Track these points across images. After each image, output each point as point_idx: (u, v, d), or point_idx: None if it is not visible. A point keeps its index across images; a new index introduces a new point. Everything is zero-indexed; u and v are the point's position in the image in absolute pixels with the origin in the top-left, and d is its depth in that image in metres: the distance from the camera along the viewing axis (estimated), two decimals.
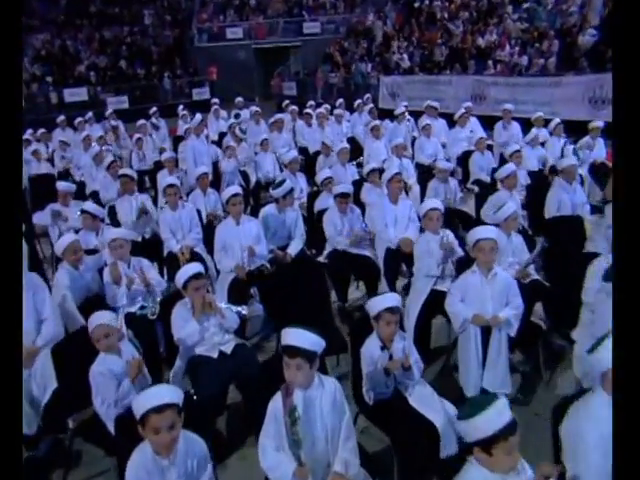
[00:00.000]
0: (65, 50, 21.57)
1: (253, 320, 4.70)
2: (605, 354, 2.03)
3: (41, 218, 6.28)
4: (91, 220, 5.22)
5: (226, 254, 4.69)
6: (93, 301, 4.10)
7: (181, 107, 12.55)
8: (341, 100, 11.53)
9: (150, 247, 5.46)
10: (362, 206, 5.79)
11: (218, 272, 4.92)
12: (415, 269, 4.22)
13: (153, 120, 10.93)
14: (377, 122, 8.40)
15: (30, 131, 10.77)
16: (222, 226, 4.81)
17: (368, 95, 12.07)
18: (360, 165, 7.98)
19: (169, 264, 5.21)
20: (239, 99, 12.71)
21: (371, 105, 10.49)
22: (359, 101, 10.77)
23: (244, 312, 3.62)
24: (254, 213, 5.55)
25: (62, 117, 11.63)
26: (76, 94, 19.16)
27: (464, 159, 7.67)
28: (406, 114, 9.40)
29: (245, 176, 8.16)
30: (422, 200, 6.04)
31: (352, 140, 9.63)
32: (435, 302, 3.91)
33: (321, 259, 5.12)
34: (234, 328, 3.57)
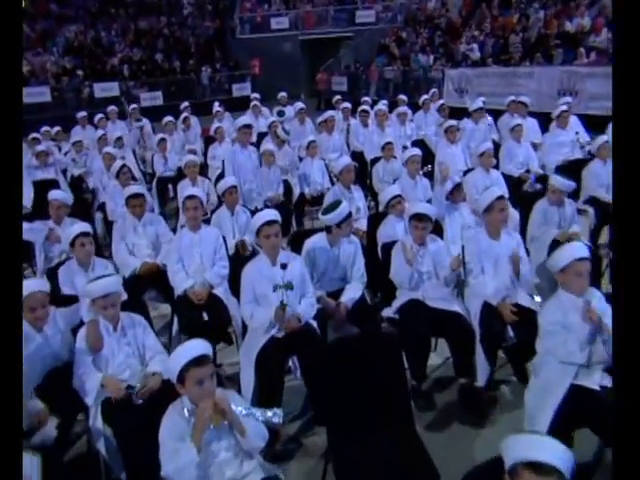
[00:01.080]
0: (98, 42, 21.19)
1: (290, 393, 3.50)
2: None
3: (29, 234, 4.93)
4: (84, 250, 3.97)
5: (258, 304, 3.50)
6: (62, 373, 3.02)
7: (217, 104, 11.53)
8: (403, 96, 10.24)
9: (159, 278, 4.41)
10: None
11: (245, 329, 3.77)
12: (541, 348, 2.91)
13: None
14: (452, 122, 7.07)
15: (45, 128, 9.96)
16: (253, 265, 3.61)
17: (434, 90, 10.74)
18: (430, 175, 6.72)
19: (180, 311, 4.08)
20: (282, 94, 11.63)
21: (441, 102, 9.16)
22: (425, 97, 9.44)
23: (277, 420, 2.40)
24: (297, 242, 4.35)
25: (83, 113, 10.81)
26: (107, 89, 18.63)
27: (569, 169, 6.24)
28: (484, 112, 8.05)
29: (287, 187, 7.03)
30: (523, 229, 4.72)
31: (418, 144, 8.35)
32: (579, 408, 2.62)
33: (390, 313, 3.88)
34: (260, 449, 2.38)
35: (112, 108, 11.07)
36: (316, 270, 4.00)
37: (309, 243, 4.03)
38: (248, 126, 6.83)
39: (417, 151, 5.77)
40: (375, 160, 7.27)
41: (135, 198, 4.70)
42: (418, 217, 3.84)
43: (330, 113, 7.76)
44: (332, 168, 6.92)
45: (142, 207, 4.74)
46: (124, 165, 5.98)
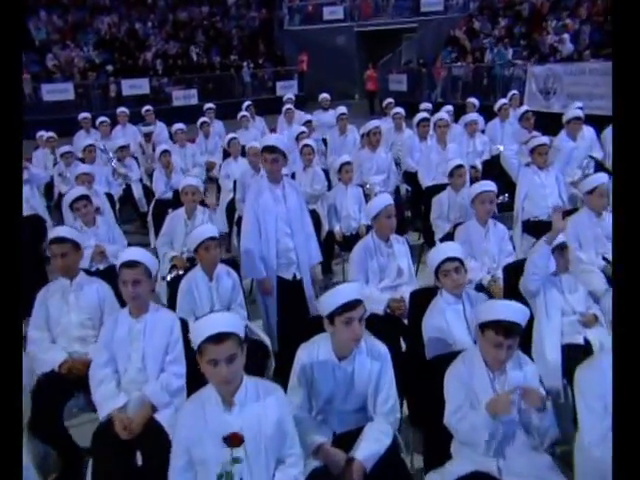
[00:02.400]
0: (132, 34, 20.58)
1: None
2: None
3: None
4: None
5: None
6: None
7: (245, 105, 10.26)
8: (473, 100, 8.65)
9: None
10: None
11: None
12: None
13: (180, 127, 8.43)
14: (542, 139, 5.44)
15: (40, 133, 8.98)
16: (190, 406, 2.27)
17: (514, 92, 9.07)
18: (502, 208, 5.25)
19: (97, 451, 2.75)
20: (324, 96, 10.26)
21: (524, 108, 7.51)
22: (504, 102, 7.80)
23: None
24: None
25: (85, 115, 9.79)
26: (136, 86, 17.86)
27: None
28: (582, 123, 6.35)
29: (315, 220, 5.68)
30: None
31: (491, 164, 6.78)
32: None
33: None
34: None
35: (122, 110, 10.02)
36: (316, 398, 2.60)
37: (304, 354, 2.61)
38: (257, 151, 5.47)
39: (491, 186, 4.24)
40: (433, 188, 5.77)
41: (58, 244, 3.37)
42: (501, 327, 2.36)
43: (374, 123, 6.31)
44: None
45: (68, 262, 3.36)
46: (82, 197, 4.64)
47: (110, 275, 3.60)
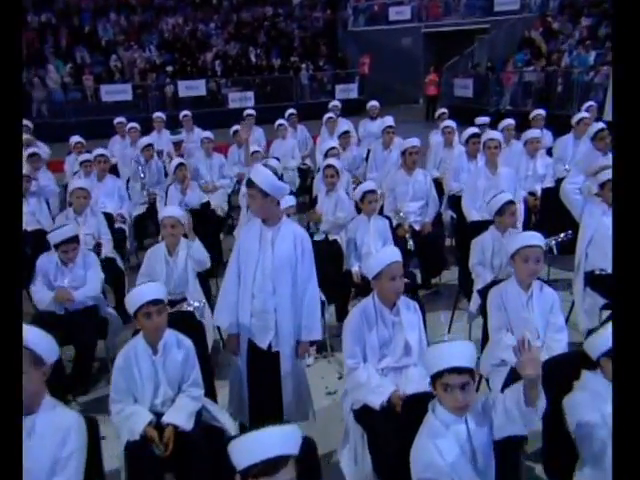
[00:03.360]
0: (194, 35, 20.31)
1: None
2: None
3: None
4: None
5: None
6: None
7: (288, 112, 9.47)
8: (540, 111, 7.47)
9: None
10: None
11: None
12: None
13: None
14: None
15: (75, 139, 8.53)
16: None
17: (591, 103, 7.81)
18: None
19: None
20: (373, 104, 9.33)
21: (600, 125, 6.31)
22: (583, 115, 6.56)
23: None
24: None
25: (120, 119, 9.31)
26: (193, 87, 17.52)
27: None
28: None
29: (337, 253, 4.85)
30: None
31: (552, 194, 5.65)
32: None
33: None
34: None
35: (158, 115, 9.47)
36: None
37: None
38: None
39: (538, 240, 3.21)
40: (478, 225, 4.75)
41: None
42: None
43: (412, 142, 5.34)
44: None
45: None
46: (72, 238, 4.02)
47: None
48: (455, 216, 5.97)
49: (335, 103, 9.60)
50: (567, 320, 4.64)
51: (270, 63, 19.44)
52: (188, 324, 3.43)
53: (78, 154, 8.03)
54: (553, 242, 4.89)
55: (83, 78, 17.77)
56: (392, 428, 2.72)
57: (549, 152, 6.81)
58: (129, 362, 2.75)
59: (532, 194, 5.91)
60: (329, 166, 5.30)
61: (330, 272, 4.76)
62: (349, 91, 18.58)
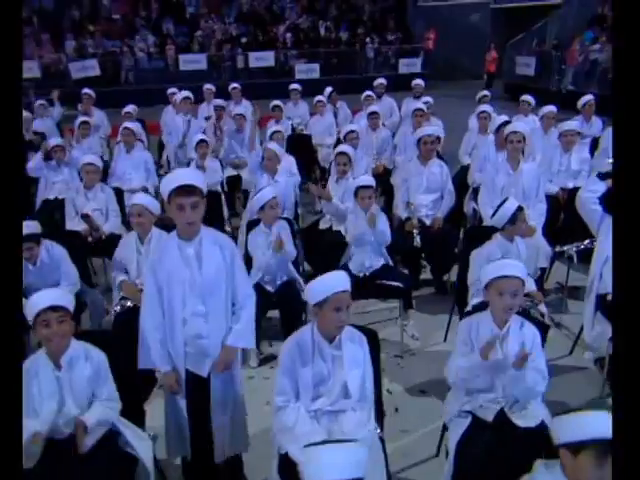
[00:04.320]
0: (269, 9, 19.45)
1: None
2: None
3: None
4: None
5: None
6: None
7: (328, 90, 8.62)
8: (589, 97, 6.29)
9: None
10: None
11: None
12: None
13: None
14: None
15: (130, 107, 8.14)
16: None
17: None
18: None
19: None
20: (417, 82, 8.33)
21: None
22: None
23: None
24: None
25: (173, 89, 8.80)
26: (262, 59, 16.80)
27: None
28: None
29: (339, 244, 4.19)
30: None
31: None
32: None
33: None
34: None
35: (208, 87, 8.90)
36: None
37: None
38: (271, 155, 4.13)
39: (517, 270, 2.41)
40: (489, 230, 3.91)
41: None
42: None
43: (428, 130, 4.47)
44: None
45: None
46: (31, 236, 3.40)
47: None
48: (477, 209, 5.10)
49: (380, 81, 8.60)
50: (574, 346, 3.81)
51: (338, 36, 18.35)
52: None
53: None
54: (574, 249, 4.03)
55: (166, 48, 17.49)
56: None
57: (596, 142, 5.73)
58: (28, 377, 2.25)
59: (563, 189, 4.93)
60: (342, 153, 4.57)
61: (331, 263, 4.13)
62: (412, 65, 17.23)
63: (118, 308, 3.48)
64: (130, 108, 7.98)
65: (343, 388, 2.28)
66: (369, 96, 7.63)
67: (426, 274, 4.87)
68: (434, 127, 4.72)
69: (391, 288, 3.79)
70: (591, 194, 3.24)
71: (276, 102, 7.77)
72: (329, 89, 8.51)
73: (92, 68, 16.09)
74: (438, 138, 5.14)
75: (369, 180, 3.87)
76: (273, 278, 3.72)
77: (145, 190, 5.73)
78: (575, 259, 4.08)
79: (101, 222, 4.61)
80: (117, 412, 2.39)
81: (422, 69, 17.36)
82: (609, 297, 3.17)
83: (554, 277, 4.68)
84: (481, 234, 3.83)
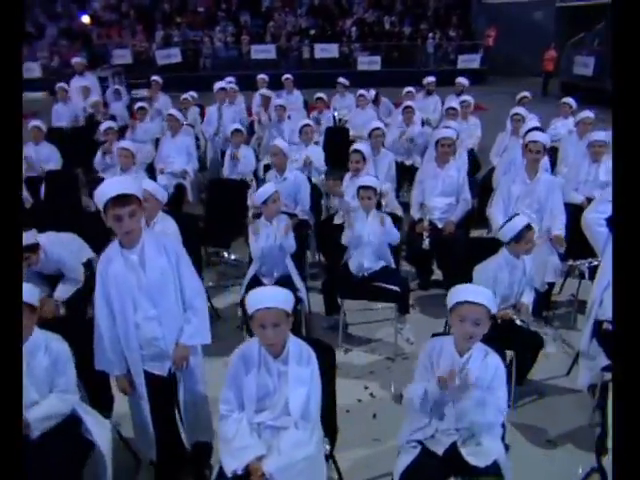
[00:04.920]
0: (339, 3, 18.87)
1: None
2: None
3: None
4: None
5: None
6: None
7: (373, 92, 8.11)
8: None
9: None
10: None
11: None
12: None
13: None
14: None
15: (189, 94, 8.04)
16: None
17: None
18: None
19: None
20: (460, 80, 7.70)
21: None
22: None
23: None
24: None
25: (221, 84, 8.57)
26: (327, 50, 16.34)
27: None
28: None
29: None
30: None
31: None
32: None
33: None
34: None
35: (261, 77, 8.64)
36: None
37: None
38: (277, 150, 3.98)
39: (482, 297, 2.04)
40: (478, 243, 3.49)
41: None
42: None
43: (446, 133, 4.02)
44: None
45: None
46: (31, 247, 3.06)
47: None
48: None
49: (430, 79, 7.95)
50: (572, 367, 3.34)
51: (401, 30, 17.53)
52: None
53: (185, 109, 7.63)
54: (586, 265, 3.53)
55: (241, 38, 17.43)
56: None
57: None
58: None
59: (590, 200, 4.34)
60: (356, 151, 4.22)
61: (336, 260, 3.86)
62: (472, 61, 16.18)
63: None
64: (188, 95, 7.90)
65: (287, 404, 2.04)
66: (409, 92, 7.13)
67: (438, 275, 4.49)
68: (451, 130, 4.25)
69: (387, 291, 3.46)
70: (598, 215, 2.75)
71: (319, 94, 7.44)
72: (373, 92, 8.02)
73: (175, 56, 16.33)
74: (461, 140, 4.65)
75: (370, 180, 3.52)
76: (270, 270, 3.49)
77: (184, 173, 5.67)
78: (587, 275, 3.57)
79: None
80: (71, 403, 2.26)
81: (481, 65, 16.32)
82: (606, 325, 2.71)
83: (568, 289, 4.16)
84: (485, 245, 3.42)
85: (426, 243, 3.97)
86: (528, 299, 2.99)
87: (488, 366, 2.04)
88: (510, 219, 2.98)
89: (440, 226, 4.16)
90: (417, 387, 2.06)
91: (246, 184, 5.10)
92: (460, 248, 4.13)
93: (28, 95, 13.56)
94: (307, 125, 5.33)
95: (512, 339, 2.88)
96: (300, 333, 3.58)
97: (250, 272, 3.50)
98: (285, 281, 3.46)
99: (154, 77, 8.75)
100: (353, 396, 3.17)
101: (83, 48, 16.92)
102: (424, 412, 2.07)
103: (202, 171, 6.52)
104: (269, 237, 3.39)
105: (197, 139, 6.94)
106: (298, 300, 3.39)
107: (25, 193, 5.06)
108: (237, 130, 5.43)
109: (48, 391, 2.22)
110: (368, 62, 16.36)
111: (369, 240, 3.51)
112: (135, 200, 2.11)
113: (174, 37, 17.96)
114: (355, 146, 4.29)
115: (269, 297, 1.97)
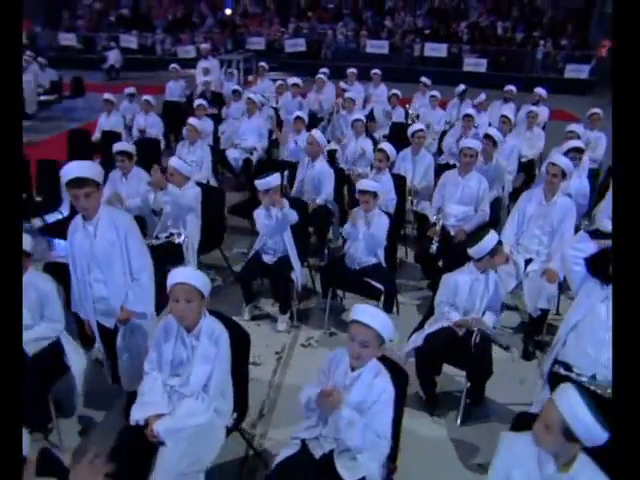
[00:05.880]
0: (457, 7, 17.40)
1: None
2: None
3: None
4: None
5: None
6: None
7: (460, 87, 7.34)
8: None
9: None
10: None
11: None
12: None
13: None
14: None
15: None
16: None
17: None
18: None
19: None
20: (538, 90, 6.69)
21: None
22: None
23: None
24: None
25: (322, 73, 8.35)
26: (436, 49, 15.23)
27: None
28: None
29: None
30: None
31: None
32: None
33: None
34: None
35: (352, 71, 8.25)
36: None
37: None
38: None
39: (369, 317, 1.73)
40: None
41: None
42: None
43: (469, 143, 3.47)
44: None
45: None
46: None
47: None
48: None
49: (510, 88, 6.99)
50: None
51: (513, 36, 15.71)
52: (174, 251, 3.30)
53: (280, 94, 7.57)
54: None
55: (360, 33, 16.91)
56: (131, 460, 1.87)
57: None
58: None
59: None
60: (380, 150, 3.87)
61: None
62: (580, 71, 14.07)
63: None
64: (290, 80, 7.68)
65: (189, 378, 1.95)
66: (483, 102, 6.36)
67: None
68: (475, 141, 3.68)
69: (371, 288, 3.18)
70: (577, 253, 2.21)
71: (395, 90, 6.96)
72: (462, 87, 7.21)
73: (300, 45, 16.44)
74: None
75: (368, 185, 3.18)
76: (271, 248, 3.36)
77: (253, 149, 5.68)
78: None
79: (194, 172, 4.62)
80: (57, 331, 2.41)
81: (590, 76, 14.14)
82: (561, 371, 2.20)
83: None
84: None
85: (433, 248, 3.57)
86: (489, 318, 2.56)
87: (374, 389, 1.75)
88: (481, 239, 2.53)
89: (452, 233, 3.70)
90: (309, 390, 1.85)
91: (291, 166, 4.97)
92: (466, 257, 3.66)
93: (187, 72, 14.46)
94: (358, 120, 5.00)
95: (464, 358, 2.49)
96: (291, 309, 3.46)
97: (254, 248, 3.41)
98: (284, 261, 3.33)
99: (262, 63, 8.81)
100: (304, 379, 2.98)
101: (230, 35, 17.65)
102: (310, 414, 1.85)
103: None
104: (270, 218, 3.25)
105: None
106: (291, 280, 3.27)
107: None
108: (298, 117, 5.27)
109: (39, 317, 2.36)
110: (474, 64, 14.94)
111: (363, 236, 3.22)
112: (91, 183, 2.14)
113: (304, 29, 17.99)
114: (380, 145, 3.93)
115: (185, 275, 1.91)
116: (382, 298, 3.20)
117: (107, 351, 2.48)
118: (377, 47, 15.99)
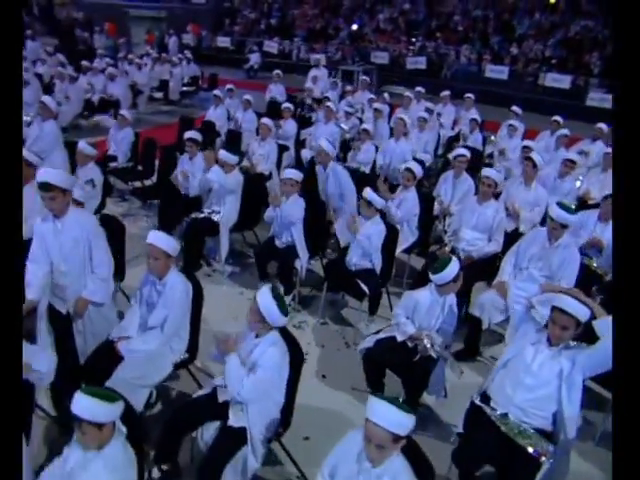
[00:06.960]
0: (594, 37, 15.55)
1: None
2: None
3: None
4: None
5: None
6: None
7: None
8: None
9: None
10: None
11: None
12: None
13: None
14: None
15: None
16: None
17: None
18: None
19: None
20: (600, 126, 5.82)
21: None
22: None
23: None
24: None
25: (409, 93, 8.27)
26: (558, 80, 13.97)
27: None
28: None
29: None
30: None
31: None
32: None
33: None
34: None
35: (408, 94, 7.97)
36: None
37: None
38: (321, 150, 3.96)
39: None
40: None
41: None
42: None
43: (488, 172, 3.28)
44: None
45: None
46: None
47: None
48: None
49: (600, 126, 6.19)
50: None
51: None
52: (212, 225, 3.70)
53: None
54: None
55: (483, 57, 16.12)
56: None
57: None
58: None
59: None
60: (408, 169, 3.84)
61: None
62: None
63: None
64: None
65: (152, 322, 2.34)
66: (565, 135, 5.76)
67: None
68: (495, 171, 3.44)
69: (358, 289, 3.27)
70: (520, 292, 2.09)
71: (474, 115, 6.66)
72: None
73: (421, 63, 16.32)
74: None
75: (373, 198, 3.26)
76: (280, 233, 3.63)
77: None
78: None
79: (261, 165, 5.09)
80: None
81: None
82: (477, 401, 2.12)
83: None
84: None
85: None
86: (440, 338, 2.52)
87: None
88: (445, 266, 2.48)
89: (462, 256, 3.58)
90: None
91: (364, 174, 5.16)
92: (470, 284, 3.52)
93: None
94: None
95: (403, 367, 2.51)
96: (294, 293, 3.69)
97: (271, 232, 3.72)
98: (292, 249, 3.58)
99: (363, 77, 9.04)
100: None
101: (356, 48, 18.16)
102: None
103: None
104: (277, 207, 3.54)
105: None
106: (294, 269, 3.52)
107: None
108: (364, 130, 5.43)
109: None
110: (599, 99, 13.35)
111: (357, 241, 3.32)
112: (55, 188, 2.27)
113: (428, 48, 17.69)
114: (407, 164, 3.91)
115: (155, 237, 2.27)
116: (366, 301, 3.27)
117: (56, 336, 2.48)
118: (497, 72, 15.13)
